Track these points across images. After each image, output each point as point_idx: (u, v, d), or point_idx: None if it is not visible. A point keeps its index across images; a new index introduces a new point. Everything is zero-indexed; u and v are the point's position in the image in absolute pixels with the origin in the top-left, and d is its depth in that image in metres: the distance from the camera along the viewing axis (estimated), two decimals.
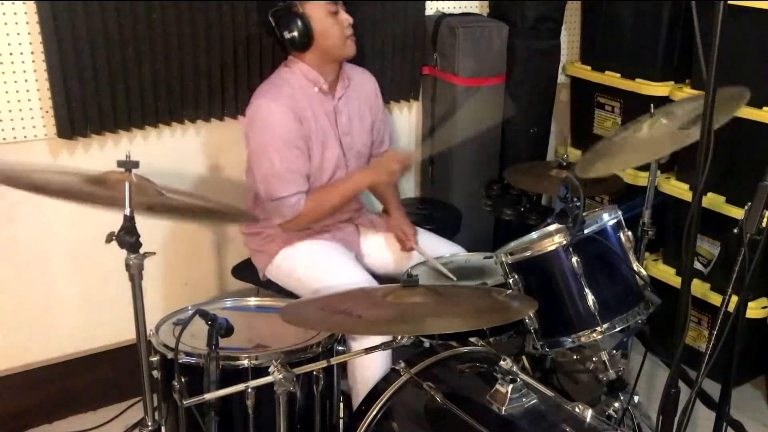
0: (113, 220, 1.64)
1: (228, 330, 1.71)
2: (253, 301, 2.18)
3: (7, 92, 2.28)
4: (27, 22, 2.25)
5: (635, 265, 1.98)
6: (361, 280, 2.24)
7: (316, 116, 2.29)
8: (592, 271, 1.89)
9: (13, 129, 2.32)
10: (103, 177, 1.70)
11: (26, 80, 2.29)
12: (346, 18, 2.27)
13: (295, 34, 2.22)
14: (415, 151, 2.39)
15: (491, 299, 1.82)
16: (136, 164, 1.72)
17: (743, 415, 2.58)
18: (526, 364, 2.19)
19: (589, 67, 3.22)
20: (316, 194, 2.32)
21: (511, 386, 1.61)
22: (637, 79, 2.97)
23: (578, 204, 1.84)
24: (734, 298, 1.75)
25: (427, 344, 2.04)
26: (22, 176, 1.70)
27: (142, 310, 1.77)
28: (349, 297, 1.84)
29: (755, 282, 1.74)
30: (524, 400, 1.62)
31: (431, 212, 2.88)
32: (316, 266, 2.30)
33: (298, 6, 2.21)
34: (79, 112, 2.33)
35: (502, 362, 1.66)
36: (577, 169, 2.20)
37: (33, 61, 2.29)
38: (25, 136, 2.34)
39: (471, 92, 2.89)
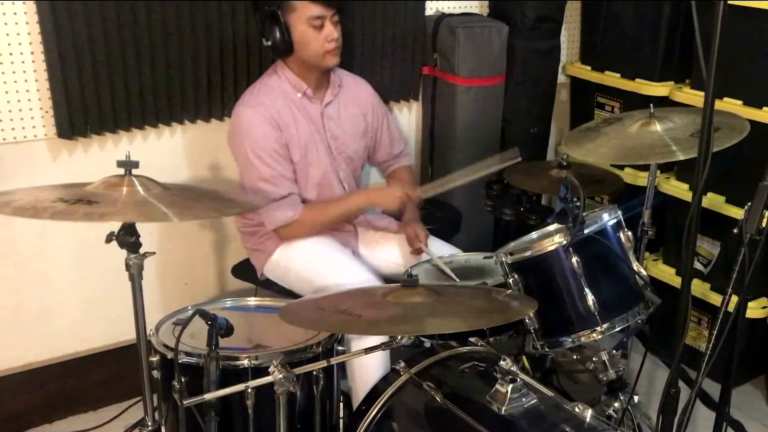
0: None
1: (228, 330, 1.71)
2: (252, 300, 2.18)
3: (7, 92, 2.28)
4: (27, 22, 2.25)
5: (635, 265, 1.98)
6: (359, 274, 2.25)
7: (299, 121, 2.30)
8: (592, 271, 1.89)
9: (13, 129, 2.32)
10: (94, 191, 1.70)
11: (26, 80, 2.30)
12: (330, 33, 2.24)
13: (275, 40, 2.23)
14: (423, 190, 2.39)
15: (491, 299, 1.82)
16: (136, 164, 1.72)
17: (743, 415, 2.59)
18: (526, 364, 2.19)
19: (589, 67, 3.22)
20: (315, 206, 2.33)
21: (511, 386, 1.61)
22: (637, 79, 2.97)
23: (578, 204, 1.84)
24: (734, 298, 1.75)
25: (427, 344, 2.04)
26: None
27: (142, 310, 1.77)
28: (349, 297, 1.84)
29: (755, 282, 1.74)
30: (524, 400, 1.62)
31: (431, 212, 2.87)
32: (315, 262, 2.31)
33: (281, 14, 2.21)
34: (79, 112, 2.33)
35: (502, 362, 1.66)
36: (564, 141, 2.31)
37: (33, 61, 2.29)
38: (25, 136, 2.34)
39: (471, 92, 2.89)
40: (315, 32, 2.23)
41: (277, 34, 2.22)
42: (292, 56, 2.28)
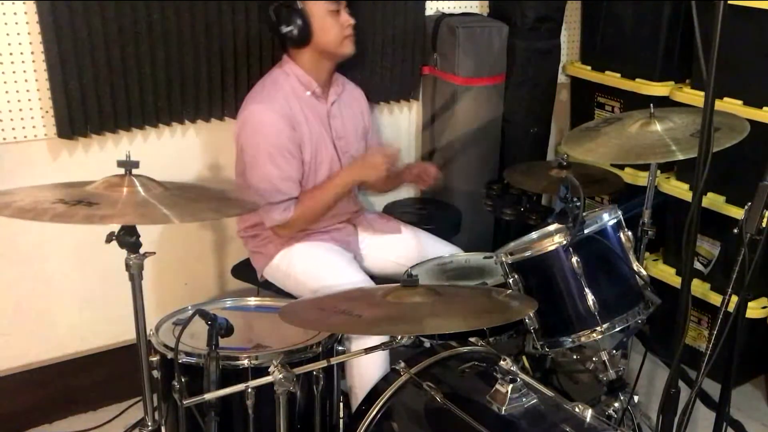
0: None
1: (228, 330, 1.71)
2: (252, 301, 2.18)
3: (7, 92, 2.28)
4: (27, 22, 2.25)
5: (635, 265, 1.98)
6: (358, 281, 2.24)
7: (309, 120, 2.30)
8: (592, 271, 1.89)
9: (13, 129, 2.32)
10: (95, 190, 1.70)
11: (26, 80, 2.29)
12: (346, 19, 2.28)
13: (294, 29, 2.23)
14: (400, 146, 2.40)
15: (491, 299, 1.82)
16: (136, 164, 1.72)
17: (743, 415, 2.59)
18: (526, 364, 2.20)
19: (589, 67, 3.22)
20: (305, 199, 2.32)
21: (511, 386, 1.61)
22: (637, 79, 2.97)
23: (578, 204, 1.84)
24: (734, 298, 1.75)
25: (427, 344, 2.04)
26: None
27: (142, 310, 1.77)
28: (349, 297, 1.84)
29: (755, 282, 1.74)
30: (524, 400, 1.62)
31: (431, 212, 2.88)
32: (314, 267, 2.30)
33: (298, 2, 2.22)
34: (79, 112, 2.33)
35: (502, 362, 1.66)
36: (564, 140, 2.32)
37: (33, 61, 2.29)
38: (25, 136, 2.34)
39: (471, 92, 2.89)
40: (333, 18, 2.25)
41: (298, 22, 2.22)
42: (307, 47, 2.28)
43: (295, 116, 2.26)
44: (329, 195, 2.32)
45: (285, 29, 2.24)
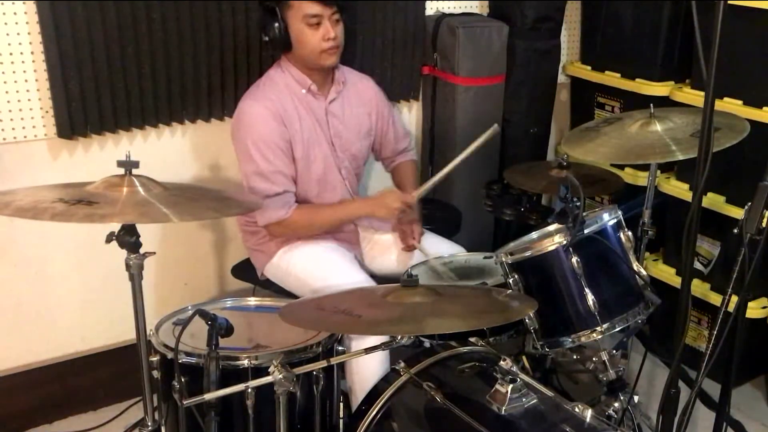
0: None
1: (228, 330, 1.71)
2: (252, 301, 2.18)
3: (7, 92, 2.28)
4: (27, 22, 2.25)
5: (635, 265, 1.98)
6: (359, 280, 2.24)
7: (303, 117, 2.30)
8: (592, 271, 1.89)
9: (13, 129, 2.32)
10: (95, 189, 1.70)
11: (26, 80, 2.29)
12: (326, 32, 2.22)
13: (273, 36, 2.24)
14: (418, 193, 2.39)
15: (491, 299, 1.82)
16: (136, 164, 1.73)
17: (743, 415, 2.59)
18: (526, 364, 2.19)
19: (589, 67, 3.22)
20: (310, 208, 2.33)
21: (511, 386, 1.61)
22: (637, 79, 2.97)
23: (578, 204, 1.84)
24: (734, 298, 1.75)
25: (427, 344, 2.04)
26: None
27: (142, 310, 1.77)
28: (349, 297, 1.84)
29: (755, 282, 1.74)
30: (524, 400, 1.62)
31: (431, 212, 2.87)
32: (315, 266, 2.31)
33: (279, 10, 2.22)
34: (79, 112, 2.33)
35: (502, 362, 1.66)
36: (564, 140, 2.32)
37: (33, 61, 2.29)
38: (25, 136, 2.34)
39: (471, 92, 2.89)
40: (312, 31, 2.22)
41: (276, 31, 2.23)
42: (292, 53, 2.28)
43: (287, 113, 2.27)
44: (335, 217, 2.36)
45: (265, 36, 2.25)
